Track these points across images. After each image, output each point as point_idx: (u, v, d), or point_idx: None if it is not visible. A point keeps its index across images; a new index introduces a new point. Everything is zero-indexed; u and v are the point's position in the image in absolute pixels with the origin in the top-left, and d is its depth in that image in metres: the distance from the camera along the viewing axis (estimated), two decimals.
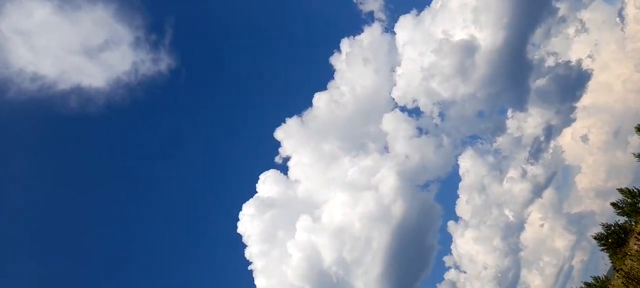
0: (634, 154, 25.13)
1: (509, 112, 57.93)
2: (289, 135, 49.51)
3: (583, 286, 23.20)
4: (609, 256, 23.48)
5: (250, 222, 43.10)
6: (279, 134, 48.73)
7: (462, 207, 70.37)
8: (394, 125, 52.65)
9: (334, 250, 41.34)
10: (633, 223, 23.51)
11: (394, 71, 45.32)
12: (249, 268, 43.13)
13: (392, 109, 50.12)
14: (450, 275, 74.02)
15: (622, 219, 25.80)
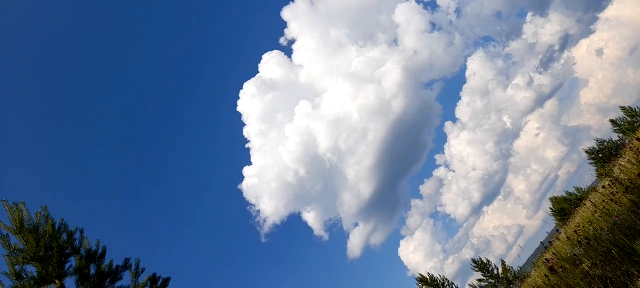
0: None
1: (528, 16, 55.39)
2: (296, 16, 47.62)
3: (565, 194, 24.17)
4: (596, 169, 24.10)
5: (250, 101, 43.28)
6: (286, 13, 46.86)
7: (462, 108, 70.42)
8: (406, 16, 50.43)
9: (330, 137, 42.09)
10: (627, 141, 23.71)
11: None
12: (246, 146, 44.21)
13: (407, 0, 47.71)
14: (439, 172, 76.68)
15: (617, 136, 26.03)
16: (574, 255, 5.05)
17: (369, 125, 44.89)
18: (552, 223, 23.99)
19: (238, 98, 41.86)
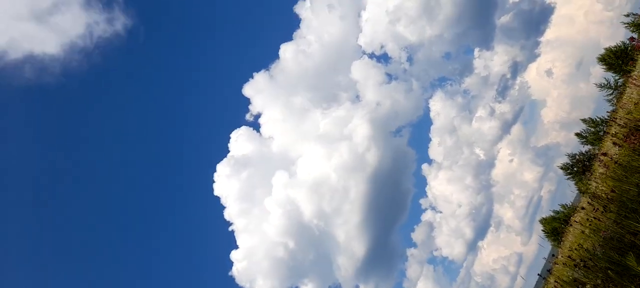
0: (596, 84, 26.10)
1: (476, 52, 58.46)
2: (258, 91, 48.76)
3: (553, 213, 24.54)
4: (575, 183, 24.78)
5: (226, 182, 43.00)
6: (248, 90, 47.97)
7: (435, 149, 71.90)
8: (363, 72, 52.29)
9: (313, 203, 41.95)
10: (596, 150, 24.72)
11: (359, 16, 44.54)
12: (230, 229, 43.39)
13: (361, 56, 49.72)
14: (427, 216, 76.51)
15: (586, 148, 27.12)
16: (574, 280, 5.19)
17: (348, 183, 45.07)
18: (547, 245, 24.16)
19: (213, 181, 41.67)
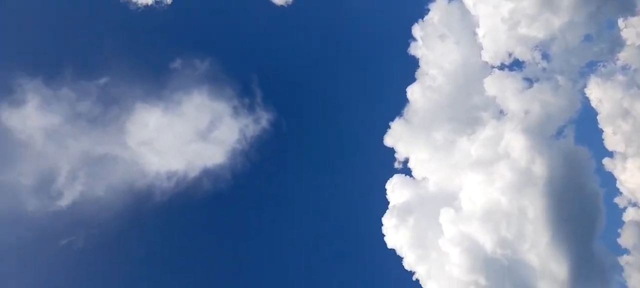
0: None
1: (620, 22, 51.02)
2: (399, 138, 49.09)
3: None
4: None
5: (396, 232, 43.27)
6: (389, 140, 48.78)
7: (611, 139, 62.47)
8: (498, 86, 49.24)
9: (490, 232, 39.41)
10: None
11: (475, 35, 43.08)
12: (414, 278, 42.90)
13: (490, 72, 47.22)
14: (629, 215, 64.48)
15: None
16: None
17: (522, 203, 41.44)
18: None
19: (383, 235, 42.29)
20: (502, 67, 45.19)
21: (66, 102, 23.75)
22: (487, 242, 39.82)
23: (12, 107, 22.80)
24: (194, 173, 28.11)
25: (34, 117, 23.05)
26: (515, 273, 41.05)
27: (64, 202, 22.68)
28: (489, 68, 43.25)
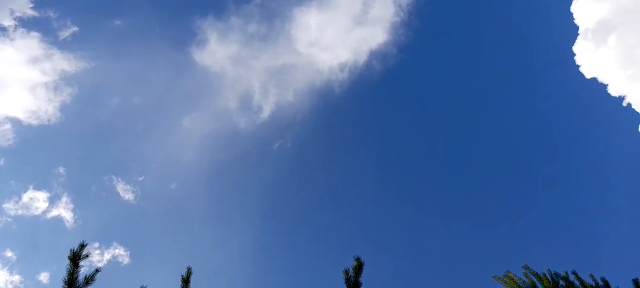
0: None
1: None
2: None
3: None
4: None
5: (594, 59, 35.19)
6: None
7: None
8: None
9: None
10: None
11: None
12: (624, 103, 37.21)
13: None
14: None
15: None
16: None
17: None
18: None
19: (578, 66, 33.72)
20: None
21: (237, 29, 26.16)
22: None
23: (200, 48, 26.09)
24: (362, 58, 28.98)
25: (218, 51, 26.02)
26: None
27: (265, 113, 25.97)
28: None
